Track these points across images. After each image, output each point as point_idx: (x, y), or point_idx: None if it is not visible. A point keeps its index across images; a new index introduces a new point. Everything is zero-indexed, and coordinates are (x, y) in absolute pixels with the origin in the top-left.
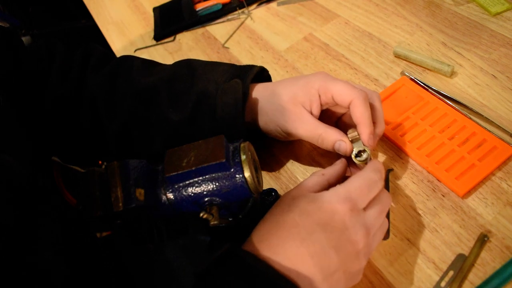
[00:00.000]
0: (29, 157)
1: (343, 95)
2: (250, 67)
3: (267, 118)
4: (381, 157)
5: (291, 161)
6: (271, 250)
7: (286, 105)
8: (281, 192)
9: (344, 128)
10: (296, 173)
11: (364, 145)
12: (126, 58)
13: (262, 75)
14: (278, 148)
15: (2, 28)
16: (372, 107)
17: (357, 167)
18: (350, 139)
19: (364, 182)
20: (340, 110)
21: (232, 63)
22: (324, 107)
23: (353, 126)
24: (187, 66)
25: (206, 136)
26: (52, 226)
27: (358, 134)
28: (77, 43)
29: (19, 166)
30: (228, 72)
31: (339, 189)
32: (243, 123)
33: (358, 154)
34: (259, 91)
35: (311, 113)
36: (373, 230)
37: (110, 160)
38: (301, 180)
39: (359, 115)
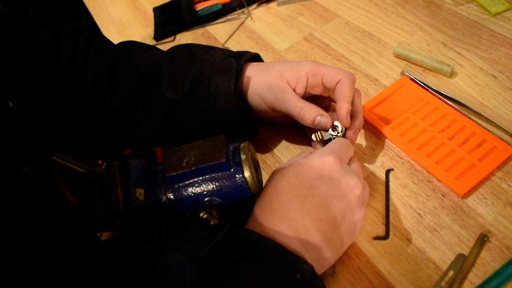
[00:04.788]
0: (44, 163)
1: (333, 75)
2: (247, 52)
3: (253, 91)
4: (381, 157)
5: None
6: (275, 216)
7: (273, 79)
8: None
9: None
10: None
11: (338, 120)
12: (128, 42)
13: (258, 61)
14: (278, 148)
15: (15, 16)
16: (352, 101)
17: None
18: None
19: (342, 142)
20: (321, 103)
21: None
22: (308, 91)
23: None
24: (187, 49)
25: (200, 115)
26: (57, 227)
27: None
28: (79, 29)
29: (37, 176)
30: (225, 55)
31: (323, 149)
32: (235, 100)
33: (333, 129)
34: (251, 68)
35: (295, 91)
36: (362, 180)
37: (110, 156)
38: None
39: (343, 91)
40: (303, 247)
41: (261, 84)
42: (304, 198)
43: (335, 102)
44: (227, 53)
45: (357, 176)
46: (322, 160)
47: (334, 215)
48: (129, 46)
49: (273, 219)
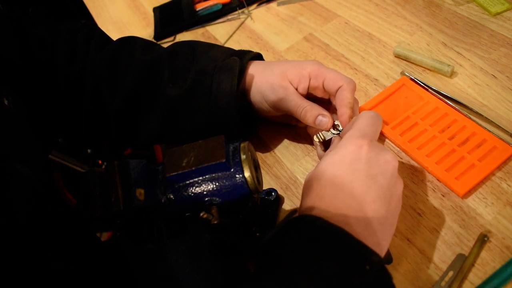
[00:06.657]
0: (40, 162)
1: (335, 80)
2: (249, 51)
3: (255, 90)
4: None
5: (291, 161)
6: (330, 209)
7: (275, 78)
8: (281, 192)
9: None
10: (296, 173)
11: (341, 125)
12: (128, 38)
13: (260, 60)
14: (278, 148)
15: (9, 15)
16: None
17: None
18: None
19: (369, 119)
20: (320, 106)
21: None
22: (310, 92)
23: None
24: (188, 45)
25: (200, 114)
26: (57, 227)
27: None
28: (78, 27)
29: (32, 175)
30: (227, 53)
31: (351, 131)
32: (236, 101)
33: (334, 128)
34: (253, 66)
35: (297, 91)
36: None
37: (110, 156)
38: (301, 180)
39: (345, 98)
40: (365, 233)
41: (264, 83)
42: (351, 184)
43: (334, 107)
44: (229, 51)
45: (389, 150)
46: (355, 144)
47: (383, 193)
48: (130, 43)
49: (328, 212)
